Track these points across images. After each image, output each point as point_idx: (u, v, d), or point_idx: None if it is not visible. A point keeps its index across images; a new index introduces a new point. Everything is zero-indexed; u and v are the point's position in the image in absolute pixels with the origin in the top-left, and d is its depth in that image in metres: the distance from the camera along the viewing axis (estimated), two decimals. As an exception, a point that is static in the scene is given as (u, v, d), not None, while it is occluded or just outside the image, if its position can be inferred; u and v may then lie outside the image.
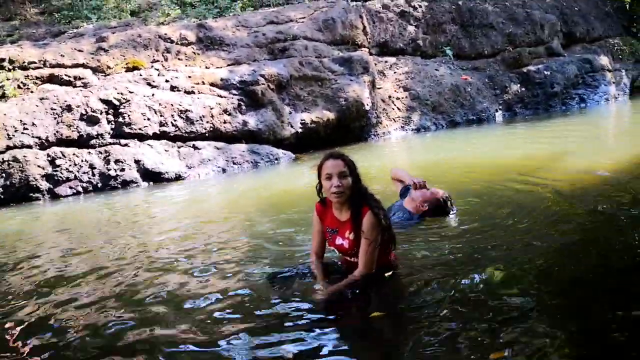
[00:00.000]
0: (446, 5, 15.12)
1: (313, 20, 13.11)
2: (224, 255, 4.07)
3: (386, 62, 13.78)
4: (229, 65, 11.52)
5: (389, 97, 13.12)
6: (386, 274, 3.05)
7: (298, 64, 11.72)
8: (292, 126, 11.02)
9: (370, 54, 13.40)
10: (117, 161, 9.32)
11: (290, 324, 2.59)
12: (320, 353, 2.26)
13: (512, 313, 2.45)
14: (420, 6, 14.77)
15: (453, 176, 6.68)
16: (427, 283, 2.99)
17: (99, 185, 9.11)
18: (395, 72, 13.67)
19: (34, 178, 8.91)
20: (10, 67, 10.20)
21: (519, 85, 14.72)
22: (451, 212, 4.49)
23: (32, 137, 9.28)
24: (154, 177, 9.36)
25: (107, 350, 2.54)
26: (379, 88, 12.93)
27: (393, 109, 13.04)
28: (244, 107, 10.65)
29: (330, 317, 2.71)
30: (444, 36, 14.90)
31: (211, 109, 10.36)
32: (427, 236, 3.97)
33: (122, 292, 3.39)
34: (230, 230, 4.99)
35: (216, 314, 2.86)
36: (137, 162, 9.40)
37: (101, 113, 9.72)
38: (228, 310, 2.88)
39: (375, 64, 13.19)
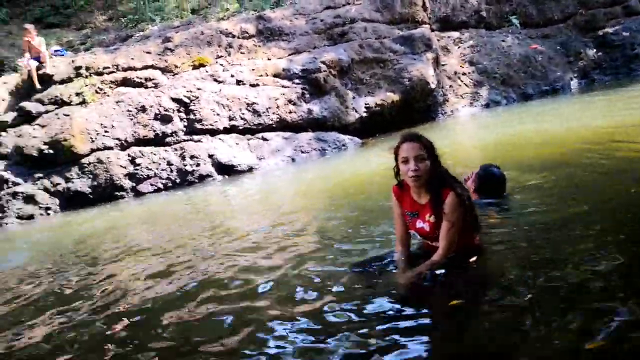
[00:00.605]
0: (509, -29, 14.67)
1: (371, 1, 13.15)
2: (303, 245, 4.08)
3: (449, 37, 13.63)
4: (289, 54, 11.85)
5: (455, 73, 12.99)
6: (470, 260, 2.91)
7: (358, 47, 11.85)
8: (356, 111, 11.21)
9: (432, 30, 13.29)
10: (192, 157, 9.92)
11: (371, 312, 2.57)
12: (396, 343, 2.21)
13: (602, 303, 2.22)
14: (481, -25, 14.43)
15: (529, 152, 6.41)
16: (511, 270, 2.82)
17: (178, 180, 9.75)
18: (459, 47, 13.51)
19: (118, 177, 9.68)
20: (87, 73, 11.05)
21: (594, 50, 14.07)
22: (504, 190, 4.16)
23: (113, 138, 10.07)
24: (227, 170, 9.87)
25: (206, 339, 2.64)
26: (443, 65, 12.84)
27: (460, 85, 12.91)
28: (307, 96, 10.94)
29: (409, 305, 2.63)
30: (508, 5, 14.49)
31: (276, 99, 10.74)
32: (506, 219, 3.74)
33: (208, 284, 3.49)
34: (308, 220, 5.07)
35: (301, 304, 2.88)
36: (210, 156, 9.95)
37: (173, 111, 10.35)
38: (311, 300, 2.88)
39: (438, 40, 13.08)
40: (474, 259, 2.93)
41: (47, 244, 6.89)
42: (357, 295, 2.83)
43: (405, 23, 13.03)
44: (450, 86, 12.80)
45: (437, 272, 2.81)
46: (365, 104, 11.29)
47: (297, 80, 11.06)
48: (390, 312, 2.56)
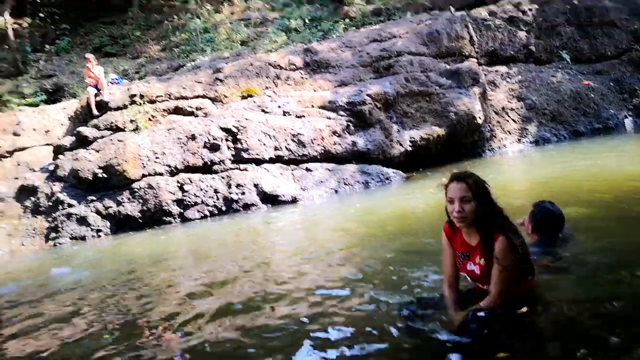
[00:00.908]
0: (559, 6, 14.66)
1: (417, 35, 13.40)
2: (346, 281, 4.09)
3: (497, 71, 13.66)
4: (335, 87, 12.17)
5: (503, 108, 12.97)
6: (521, 310, 2.79)
7: (404, 80, 12.05)
8: (401, 144, 11.34)
9: (479, 64, 13.38)
10: (238, 185, 10.25)
11: (414, 356, 2.58)
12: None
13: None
14: (530, 10, 14.48)
15: (583, 191, 6.27)
16: (565, 323, 2.70)
17: (223, 208, 10.08)
18: (507, 82, 13.50)
19: (166, 203, 10.10)
20: (141, 101, 11.66)
21: (650, 87, 13.78)
22: (564, 228, 4.06)
23: (163, 165, 10.54)
24: (271, 200, 10.13)
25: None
26: (490, 99, 12.86)
27: (507, 120, 12.87)
28: (352, 128, 11.17)
29: (454, 351, 2.57)
30: (558, 39, 14.43)
31: (321, 131, 11.01)
32: (562, 266, 3.62)
33: (245, 314, 3.65)
34: (350, 255, 5.08)
35: (342, 343, 2.91)
36: (255, 185, 10.25)
37: (222, 140, 10.76)
38: (355, 340, 2.90)
39: (485, 75, 13.15)
40: (525, 308, 2.81)
41: (101, 265, 7.24)
42: (399, 339, 2.81)
43: (452, 57, 13.17)
44: (498, 122, 12.78)
45: (486, 317, 2.72)
46: (410, 138, 11.42)
47: (342, 113, 11.33)
48: (434, 358, 2.53)
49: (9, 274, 8.00)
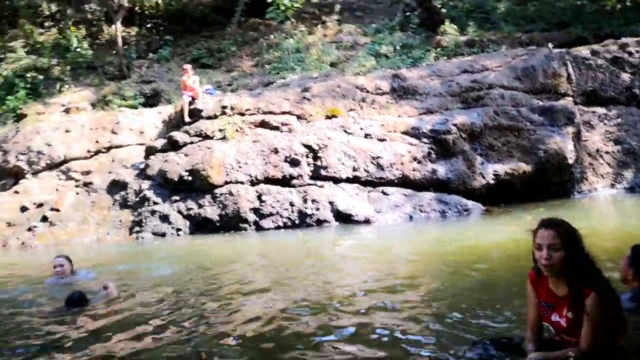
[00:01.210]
0: (671, 48, 13.90)
1: (511, 69, 13.19)
2: (413, 312, 3.98)
3: (594, 112, 13.11)
4: (420, 114, 12.21)
5: (597, 150, 12.42)
6: None
7: (493, 113, 11.88)
8: (483, 177, 11.15)
9: (575, 103, 12.92)
10: (313, 201, 10.50)
11: None
12: None
13: None
14: (637, 51, 13.83)
15: None
16: None
17: (297, 221, 10.34)
18: (604, 124, 12.92)
19: (244, 211, 10.52)
20: (231, 113, 12.28)
21: None
22: None
23: (245, 174, 11.02)
24: (344, 219, 10.28)
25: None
26: (584, 140, 12.37)
27: (601, 164, 12.30)
28: (434, 156, 11.14)
29: None
30: (666, 84, 13.64)
31: (401, 156, 11.07)
32: None
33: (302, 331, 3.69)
34: (419, 286, 4.97)
35: None
36: (330, 203, 10.45)
37: (302, 156, 11.10)
38: None
39: (581, 114, 12.67)
40: None
41: (184, 262, 7.60)
42: None
43: (546, 93, 12.84)
44: (590, 164, 12.24)
45: None
46: (494, 171, 11.20)
47: (425, 140, 11.33)
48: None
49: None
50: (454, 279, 5.24)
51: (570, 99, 12.85)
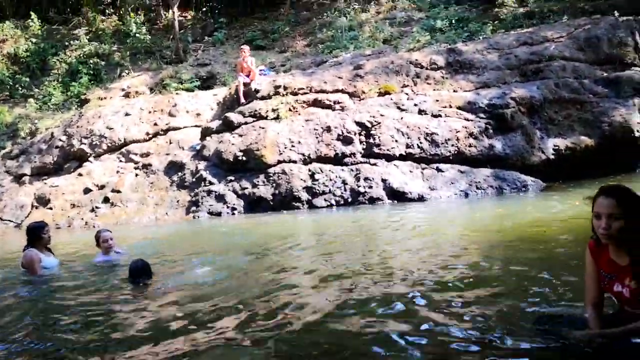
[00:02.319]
0: None
1: (573, 39, 12.66)
2: (472, 288, 3.96)
3: (664, 82, 12.38)
4: (477, 88, 11.96)
5: (667, 123, 11.75)
6: None
7: (553, 85, 11.48)
8: (543, 152, 10.84)
9: (644, 73, 12.25)
10: (366, 179, 10.57)
11: None
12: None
13: None
14: None
15: None
16: None
17: (349, 199, 10.46)
18: (676, 95, 12.18)
19: (297, 189, 10.74)
20: (284, 92, 12.49)
21: None
22: None
23: (298, 153, 11.22)
24: (398, 196, 10.29)
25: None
26: (653, 113, 11.72)
27: (671, 137, 11.63)
28: (490, 131, 10.91)
29: None
30: None
31: (457, 132, 10.91)
32: None
33: (352, 302, 3.75)
34: (477, 262, 4.86)
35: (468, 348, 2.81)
36: (383, 180, 10.49)
37: (355, 134, 11.17)
38: (481, 348, 2.80)
39: (650, 85, 11.99)
40: None
41: (246, 240, 7.81)
42: (535, 349, 2.72)
43: (610, 64, 12.25)
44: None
45: (636, 341, 2.55)
46: (554, 146, 10.86)
47: (481, 115, 11.12)
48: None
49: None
50: (513, 252, 5.18)
51: (638, 69, 12.18)
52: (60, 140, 14.92)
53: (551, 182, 10.45)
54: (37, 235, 5.79)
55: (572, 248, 5.00)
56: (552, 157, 10.78)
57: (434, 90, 12.14)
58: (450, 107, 11.49)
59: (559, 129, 11.10)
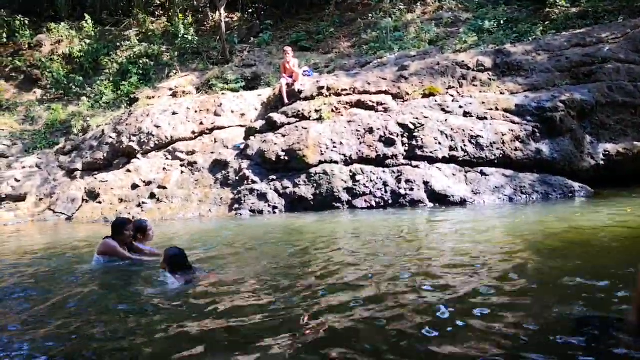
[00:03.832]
0: None
1: (628, 41, 12.27)
2: (515, 293, 3.97)
3: None
4: (525, 90, 11.75)
5: None
6: None
7: (606, 89, 11.17)
8: (592, 157, 10.55)
9: None
10: (407, 181, 10.55)
11: None
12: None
13: None
14: None
15: None
16: None
17: (390, 201, 10.46)
18: None
19: (337, 190, 10.82)
20: (328, 93, 12.61)
21: None
22: None
23: (339, 154, 11.30)
24: (440, 199, 10.22)
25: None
26: None
27: None
28: (538, 135, 10.70)
29: None
30: None
31: (503, 135, 10.75)
32: None
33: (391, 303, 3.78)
34: (523, 265, 4.84)
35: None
36: (425, 183, 10.44)
37: (397, 136, 11.16)
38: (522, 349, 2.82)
39: None
40: None
41: (289, 237, 8.02)
42: (578, 352, 2.72)
43: (670, 66, 11.79)
44: None
45: None
46: (605, 151, 10.56)
47: (529, 118, 10.92)
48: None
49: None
50: (557, 257, 5.09)
51: (700, 71, 11.68)
52: (110, 137, 15.54)
53: (600, 189, 10.14)
54: (118, 230, 6.12)
55: (621, 256, 4.89)
56: (602, 162, 10.49)
57: (480, 92, 12.00)
58: (497, 109, 11.32)
59: (611, 134, 10.79)
